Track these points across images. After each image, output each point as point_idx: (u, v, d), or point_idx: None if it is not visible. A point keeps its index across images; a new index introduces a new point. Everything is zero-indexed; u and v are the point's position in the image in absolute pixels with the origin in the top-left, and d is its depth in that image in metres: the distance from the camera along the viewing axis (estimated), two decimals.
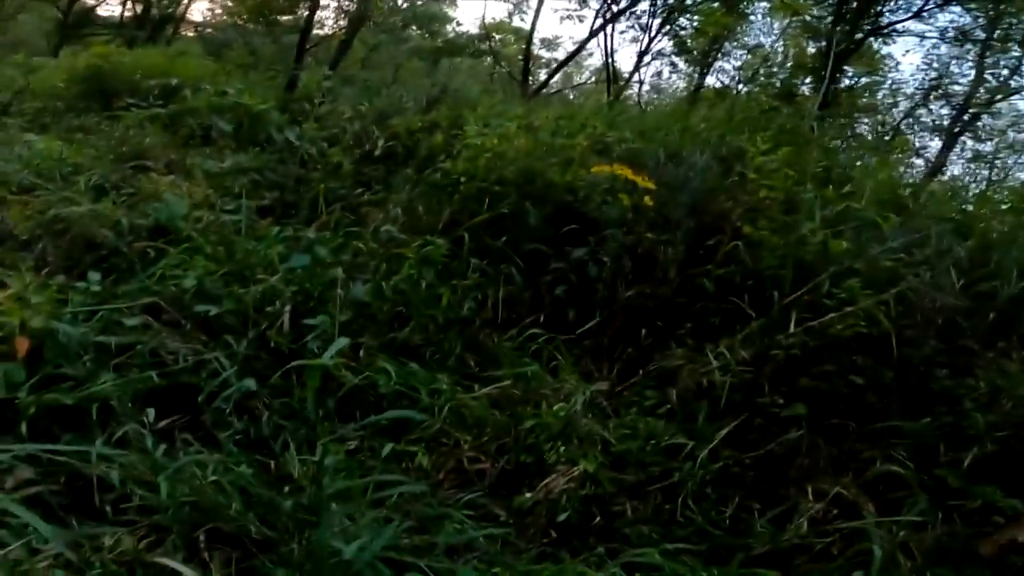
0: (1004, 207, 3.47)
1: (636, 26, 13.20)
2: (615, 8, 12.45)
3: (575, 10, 13.47)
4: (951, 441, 2.69)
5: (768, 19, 14.69)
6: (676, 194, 3.47)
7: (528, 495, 2.43)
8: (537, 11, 12.72)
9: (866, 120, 13.92)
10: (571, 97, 15.12)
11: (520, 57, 13.12)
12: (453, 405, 2.55)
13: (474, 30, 15.34)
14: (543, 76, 15.21)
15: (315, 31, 12.60)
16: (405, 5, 16.92)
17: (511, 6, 16.43)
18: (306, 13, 10.48)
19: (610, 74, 12.96)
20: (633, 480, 2.57)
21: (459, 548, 2.05)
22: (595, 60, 18.14)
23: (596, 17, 12.91)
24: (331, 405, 2.44)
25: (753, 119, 4.76)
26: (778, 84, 13.56)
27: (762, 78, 14.97)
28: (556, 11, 13.91)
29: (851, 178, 3.73)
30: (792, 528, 2.43)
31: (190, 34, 17.55)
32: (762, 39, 15.08)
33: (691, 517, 2.46)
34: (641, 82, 14.99)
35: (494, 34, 16.50)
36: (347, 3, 14.17)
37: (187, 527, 1.80)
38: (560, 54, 15.93)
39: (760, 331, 2.74)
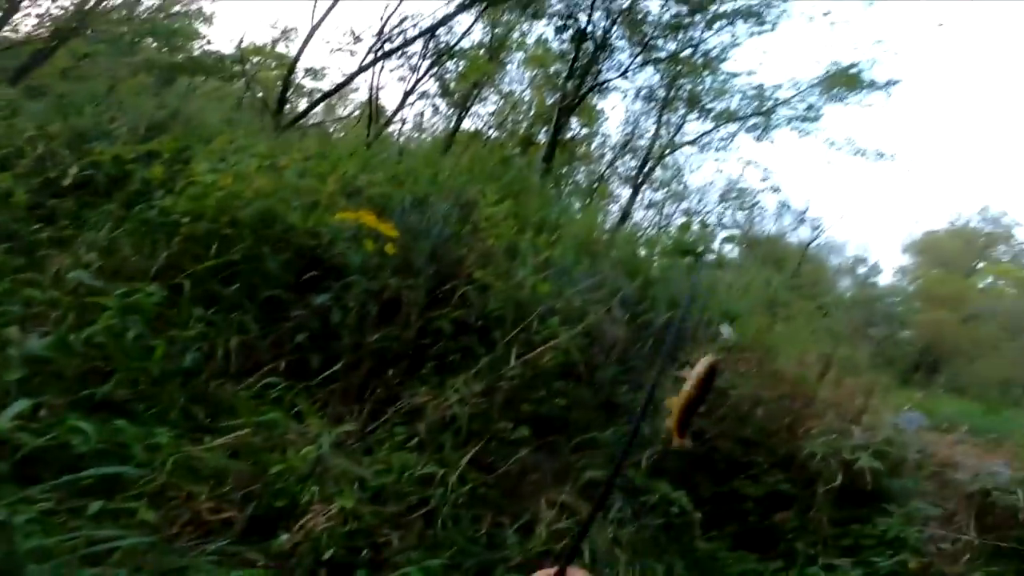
0: (661, 250, 4.55)
1: (406, 65, 13.68)
2: (388, 46, 12.68)
3: (348, 44, 13.26)
4: (632, 446, 3.46)
5: (521, 69, 16.58)
6: (420, 241, 3.80)
7: (285, 537, 2.45)
8: (306, 40, 12.20)
9: (583, 169, 16.40)
10: (331, 130, 14.80)
11: (279, 84, 12.41)
12: (180, 458, 2.44)
13: (229, 50, 14.02)
14: (304, 105, 14.68)
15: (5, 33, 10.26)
16: (144, 15, 14.76)
17: (277, 33, 15.58)
18: None
19: (372, 112, 13.05)
20: (394, 511, 2.75)
21: None
22: (361, 94, 18.14)
23: (368, 53, 13.02)
24: (3, 469, 2.12)
25: (492, 169, 5.34)
26: (521, 131, 15.28)
27: (509, 125, 16.75)
28: (328, 43, 13.46)
29: (560, 225, 4.50)
30: (536, 537, 2.85)
31: None
32: (515, 87, 16.89)
33: (451, 538, 2.72)
34: (403, 121, 15.45)
35: (252, 57, 15.38)
36: (56, 8, 11.76)
37: None
38: (325, 85, 15.52)
39: (488, 367, 3.17)
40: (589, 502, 3.16)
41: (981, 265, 26.86)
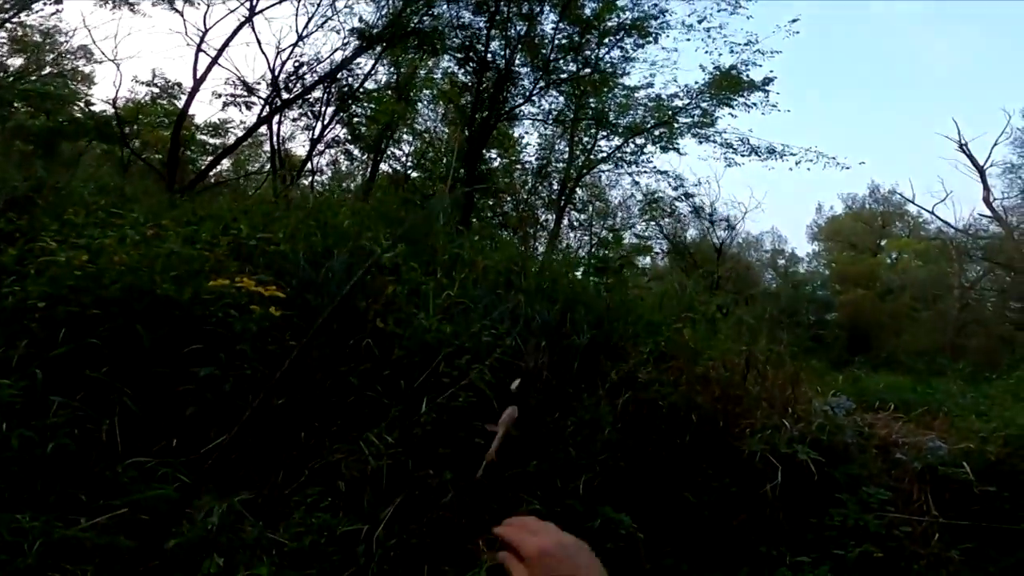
0: (576, 272, 4.52)
1: (309, 113, 13.35)
2: (285, 95, 12.38)
3: (241, 96, 12.86)
4: (565, 473, 3.32)
5: (432, 106, 16.59)
6: (320, 297, 3.59)
7: None
8: (191, 94, 11.68)
9: (508, 199, 16.54)
10: (241, 186, 14.29)
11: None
12: (58, 539, 2.28)
13: (112, 110, 13.25)
14: (207, 163, 14.11)
15: None
16: (9, 78, 13.90)
17: (156, 90, 15.00)
18: None
19: (276, 164, 12.71)
20: (317, 573, 2.57)
21: None
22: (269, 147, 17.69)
23: (264, 104, 12.64)
24: None
25: (391, 214, 5.20)
26: (441, 169, 15.24)
27: (428, 163, 16.72)
28: (220, 96, 12.95)
29: (472, 262, 4.39)
30: None
31: None
32: (429, 124, 16.87)
33: None
34: (314, 171, 15.10)
35: (139, 116, 14.69)
36: None
37: None
38: (231, 140, 14.98)
39: (400, 416, 2.99)
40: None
41: (884, 242, 28.87)
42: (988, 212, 19.76)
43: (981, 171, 19.58)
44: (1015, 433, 5.00)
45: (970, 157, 19.77)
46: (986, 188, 19.58)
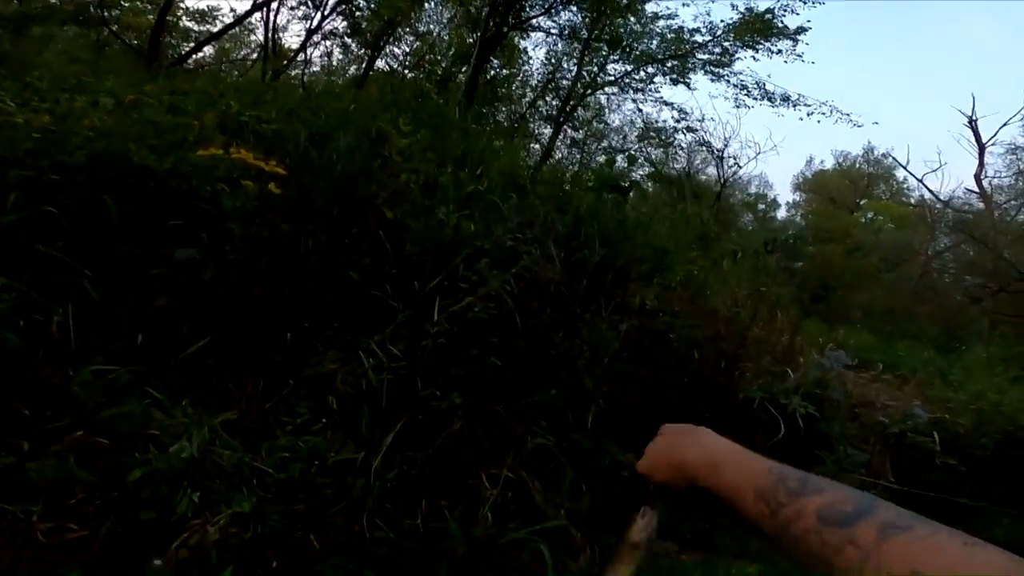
0: (589, 186, 4.15)
1: (308, 3, 12.65)
2: None
3: None
4: (574, 404, 3.03)
5: (439, 7, 15.38)
6: (318, 179, 3.16)
7: (158, 562, 1.94)
8: None
9: (504, 109, 15.79)
10: (222, 72, 13.20)
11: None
12: None
13: None
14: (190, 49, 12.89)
15: None
16: None
17: None
18: None
19: (268, 51, 11.78)
20: (306, 507, 2.26)
21: None
22: (260, 35, 16.28)
23: None
24: None
25: (404, 101, 4.70)
26: (440, 71, 14.37)
27: (427, 65, 15.66)
28: None
29: (483, 160, 3.98)
30: (480, 520, 2.44)
31: None
32: (432, 27, 15.74)
33: (382, 535, 2.27)
34: (307, 61, 14.15)
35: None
36: None
37: None
38: (217, 28, 13.69)
39: (408, 323, 2.67)
40: (537, 474, 2.81)
41: (864, 202, 29.05)
42: (976, 188, 19.86)
43: (981, 148, 19.41)
44: (985, 408, 4.94)
45: (975, 133, 19.52)
46: (981, 165, 19.49)
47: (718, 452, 0.70)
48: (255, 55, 15.16)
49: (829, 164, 30.28)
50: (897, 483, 4.34)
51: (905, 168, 24.29)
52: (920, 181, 22.45)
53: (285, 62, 12.07)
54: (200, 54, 13.47)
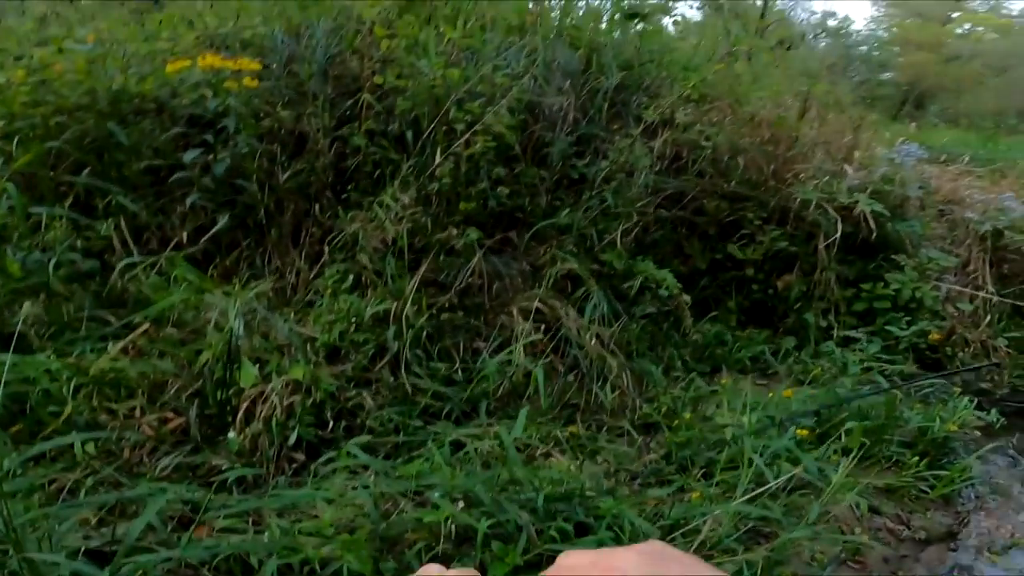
0: (605, 22, 3.86)
1: None
2: None
3: None
4: (600, 224, 3.07)
5: None
6: (306, 65, 3.18)
7: (232, 435, 2.14)
8: None
9: None
10: None
11: None
12: (90, 378, 2.09)
13: None
14: None
15: None
16: None
17: None
18: None
19: None
20: (355, 366, 2.41)
21: None
22: None
23: None
24: None
25: None
26: None
27: None
28: None
29: (482, 14, 3.79)
30: (515, 356, 2.52)
31: None
32: None
33: (420, 383, 2.41)
34: None
35: None
36: None
37: None
38: None
39: (414, 171, 2.71)
40: (568, 299, 2.84)
41: (956, 15, 25.10)
42: None
43: None
44: None
45: None
46: None
47: None
48: None
49: None
50: (998, 293, 3.92)
51: None
52: None
53: None
54: None
